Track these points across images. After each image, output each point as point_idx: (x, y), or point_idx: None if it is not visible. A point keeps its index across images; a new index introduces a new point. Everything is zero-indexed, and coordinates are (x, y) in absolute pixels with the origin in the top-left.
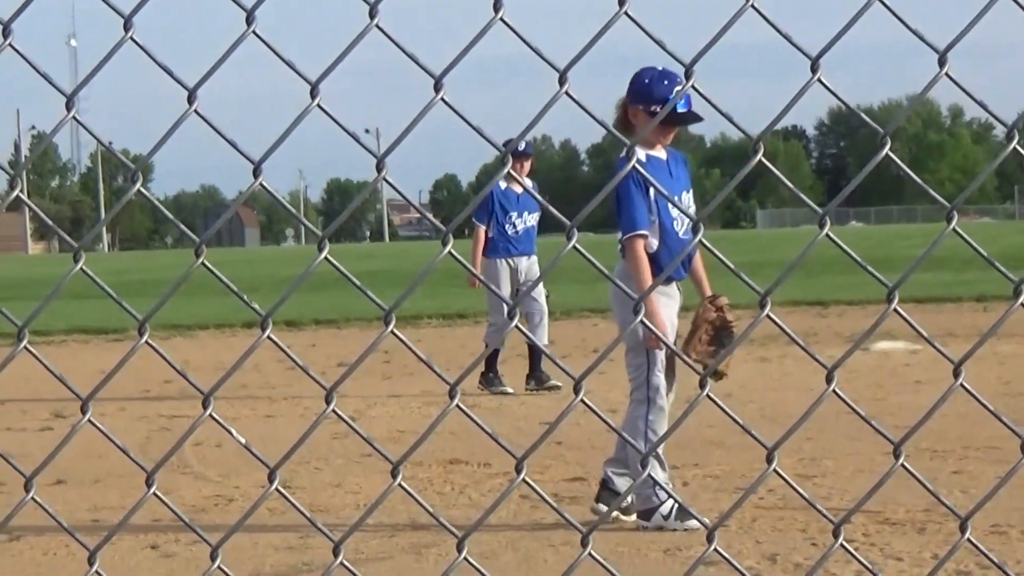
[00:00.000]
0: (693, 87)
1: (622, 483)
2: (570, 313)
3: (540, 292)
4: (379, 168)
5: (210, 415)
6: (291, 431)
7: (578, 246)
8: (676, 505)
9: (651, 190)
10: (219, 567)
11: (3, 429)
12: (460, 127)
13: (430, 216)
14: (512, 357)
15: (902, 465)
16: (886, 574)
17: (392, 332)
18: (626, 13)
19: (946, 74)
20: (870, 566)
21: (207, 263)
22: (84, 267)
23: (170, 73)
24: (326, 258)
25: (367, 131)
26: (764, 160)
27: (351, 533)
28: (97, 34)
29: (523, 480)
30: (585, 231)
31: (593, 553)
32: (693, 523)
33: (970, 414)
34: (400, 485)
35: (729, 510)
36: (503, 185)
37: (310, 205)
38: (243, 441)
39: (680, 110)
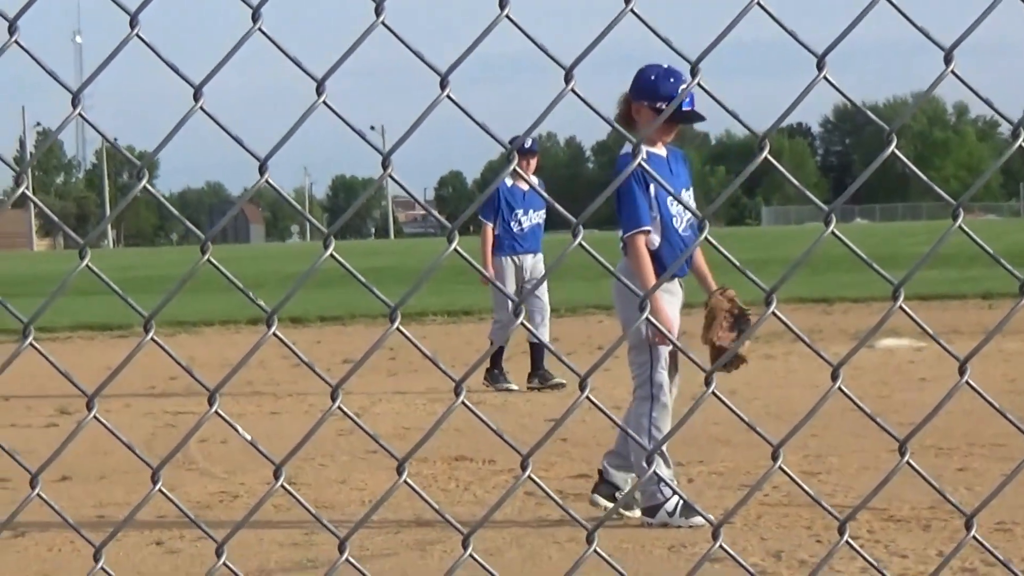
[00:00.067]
0: (699, 84)
1: (619, 477)
2: (575, 310)
3: (544, 291)
4: (385, 165)
5: (215, 412)
6: (296, 428)
7: (584, 243)
8: (681, 502)
9: (652, 186)
10: (224, 563)
11: (9, 425)
12: (465, 124)
13: (436, 213)
14: (517, 354)
15: (907, 462)
16: (891, 571)
17: (397, 329)
18: (632, 10)
19: (952, 72)
20: (875, 563)
21: (213, 260)
22: (90, 264)
23: (176, 70)
24: (331, 255)
25: (372, 128)
26: (770, 157)
27: (356, 529)
28: (103, 31)
29: (528, 477)
30: (590, 228)
31: (598, 550)
32: (698, 520)
33: (975, 411)
34: (405, 482)
35: (734, 507)
36: (509, 182)
37: (315, 202)
38: (248, 438)
39: (684, 108)
